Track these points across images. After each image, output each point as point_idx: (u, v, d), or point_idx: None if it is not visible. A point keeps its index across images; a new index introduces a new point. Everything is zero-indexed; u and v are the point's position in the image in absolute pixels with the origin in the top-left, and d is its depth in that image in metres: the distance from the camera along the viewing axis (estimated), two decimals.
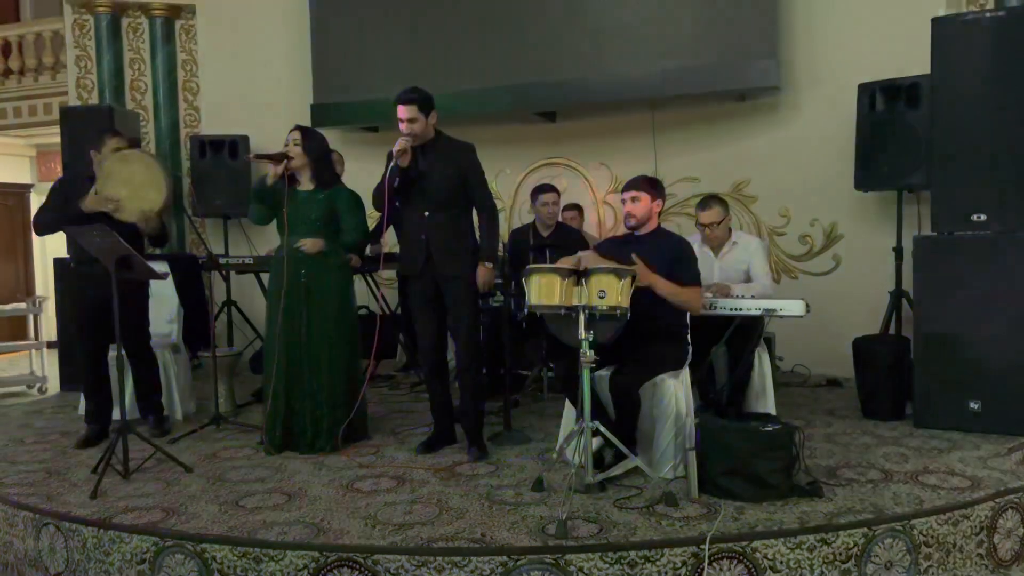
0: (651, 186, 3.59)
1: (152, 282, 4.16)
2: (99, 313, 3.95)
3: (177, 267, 4.98)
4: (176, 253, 6.51)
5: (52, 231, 4.10)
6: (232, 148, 6.41)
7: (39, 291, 10.31)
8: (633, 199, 3.54)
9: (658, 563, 2.59)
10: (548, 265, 3.24)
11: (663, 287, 3.34)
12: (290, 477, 3.46)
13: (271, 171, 3.80)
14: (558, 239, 4.88)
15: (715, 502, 2.98)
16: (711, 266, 4.21)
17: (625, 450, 3.15)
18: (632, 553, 2.59)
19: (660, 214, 3.63)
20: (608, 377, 3.32)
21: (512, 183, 6.40)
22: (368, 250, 4.81)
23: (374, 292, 5.59)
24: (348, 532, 2.78)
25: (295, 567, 2.64)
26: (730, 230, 4.33)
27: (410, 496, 3.17)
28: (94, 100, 6.68)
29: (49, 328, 7.22)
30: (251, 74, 6.78)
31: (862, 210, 5.41)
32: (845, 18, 5.37)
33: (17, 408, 5.37)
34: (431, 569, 2.58)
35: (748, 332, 3.85)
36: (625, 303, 3.05)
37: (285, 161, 3.80)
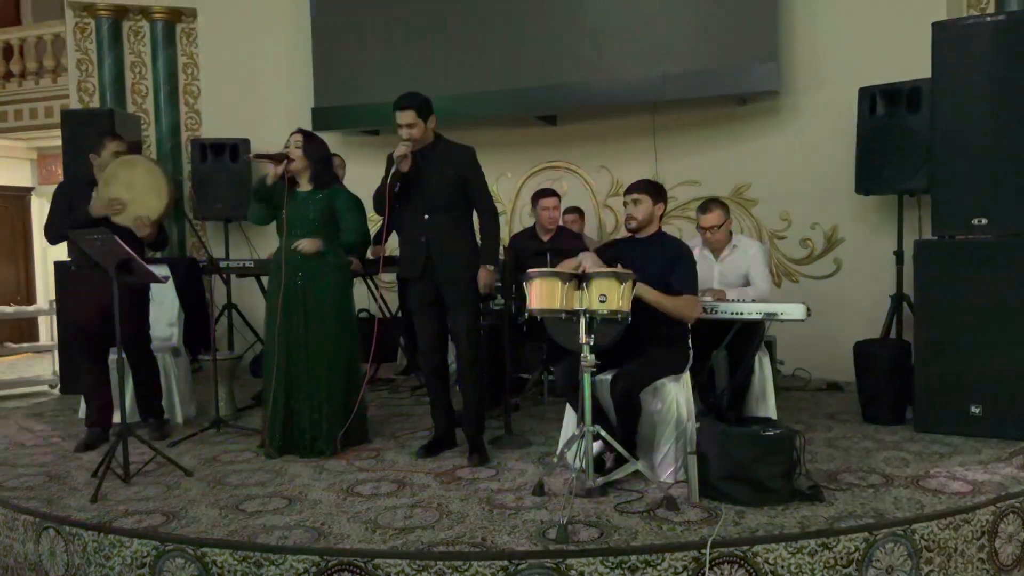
0: (653, 189, 3.59)
1: (153, 285, 4.15)
2: (100, 316, 3.94)
3: (178, 270, 4.99)
4: (177, 256, 6.50)
5: (65, 239, 4.10)
6: (233, 151, 6.42)
7: (39, 294, 10.32)
8: (635, 202, 3.54)
9: (659, 567, 2.58)
10: (549, 269, 3.24)
11: (651, 297, 3.28)
12: (290, 481, 3.45)
13: (271, 171, 3.80)
14: (559, 243, 4.88)
15: (716, 506, 2.97)
16: (711, 269, 4.22)
17: (626, 454, 3.14)
18: (633, 558, 2.58)
19: (661, 217, 3.63)
20: (609, 381, 3.32)
21: (513, 186, 6.40)
22: (369, 252, 4.82)
23: (374, 295, 5.59)
24: (348, 536, 2.78)
25: (295, 571, 2.63)
26: (731, 234, 4.33)
27: (411, 500, 3.17)
28: (95, 103, 6.68)
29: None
30: (252, 77, 6.78)
31: (863, 214, 5.40)
32: (845, 22, 5.37)
33: (18, 411, 5.36)
34: (432, 573, 2.57)
35: (749, 336, 3.84)
36: (626, 307, 3.04)
37: (285, 161, 3.80)
